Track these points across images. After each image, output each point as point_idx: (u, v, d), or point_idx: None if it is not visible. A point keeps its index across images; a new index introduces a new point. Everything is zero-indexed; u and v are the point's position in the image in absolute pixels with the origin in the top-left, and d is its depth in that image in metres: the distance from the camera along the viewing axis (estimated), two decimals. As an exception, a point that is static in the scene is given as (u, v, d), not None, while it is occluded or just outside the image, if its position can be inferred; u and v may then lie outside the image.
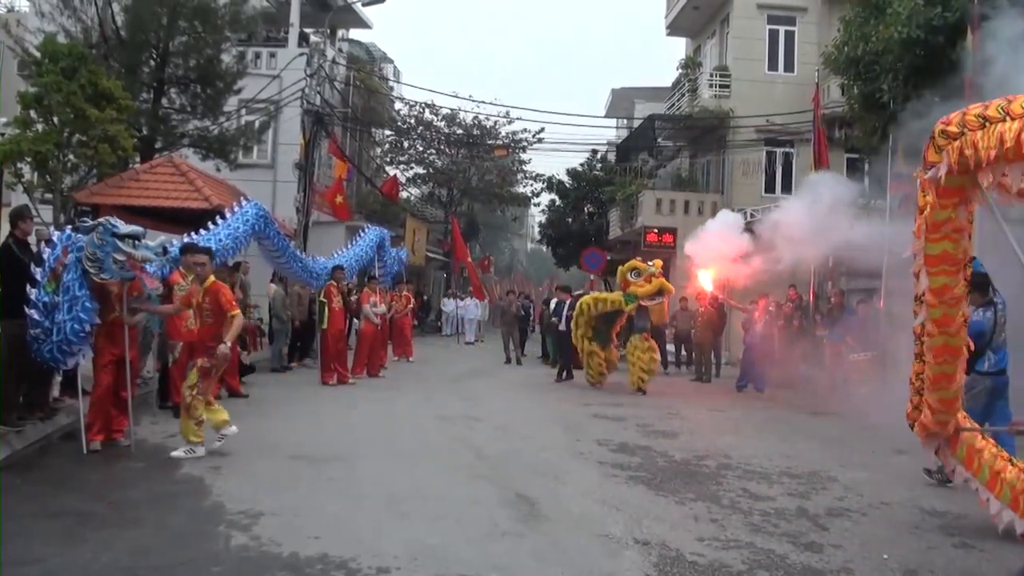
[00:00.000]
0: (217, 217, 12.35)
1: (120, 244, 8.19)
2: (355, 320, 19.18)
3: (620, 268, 16.97)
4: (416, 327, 26.39)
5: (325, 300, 15.52)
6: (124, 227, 8.33)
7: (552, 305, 21.32)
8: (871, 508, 7.63)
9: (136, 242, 8.36)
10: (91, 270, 8.23)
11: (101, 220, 8.38)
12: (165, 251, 8.85)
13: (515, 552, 5.99)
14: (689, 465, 9.37)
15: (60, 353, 8.39)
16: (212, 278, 8.92)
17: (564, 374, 18.39)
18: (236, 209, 12.58)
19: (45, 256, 8.45)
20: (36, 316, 8.22)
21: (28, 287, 8.31)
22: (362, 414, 12.25)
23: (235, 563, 5.47)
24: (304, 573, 5.33)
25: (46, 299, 8.29)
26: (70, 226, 8.96)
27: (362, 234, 19.35)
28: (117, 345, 9.00)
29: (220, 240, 11.60)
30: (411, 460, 9.03)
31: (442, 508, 7.06)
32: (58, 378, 10.25)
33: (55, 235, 8.84)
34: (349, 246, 18.65)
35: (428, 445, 9.98)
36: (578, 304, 17.54)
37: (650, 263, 16.44)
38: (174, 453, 8.59)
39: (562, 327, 18.86)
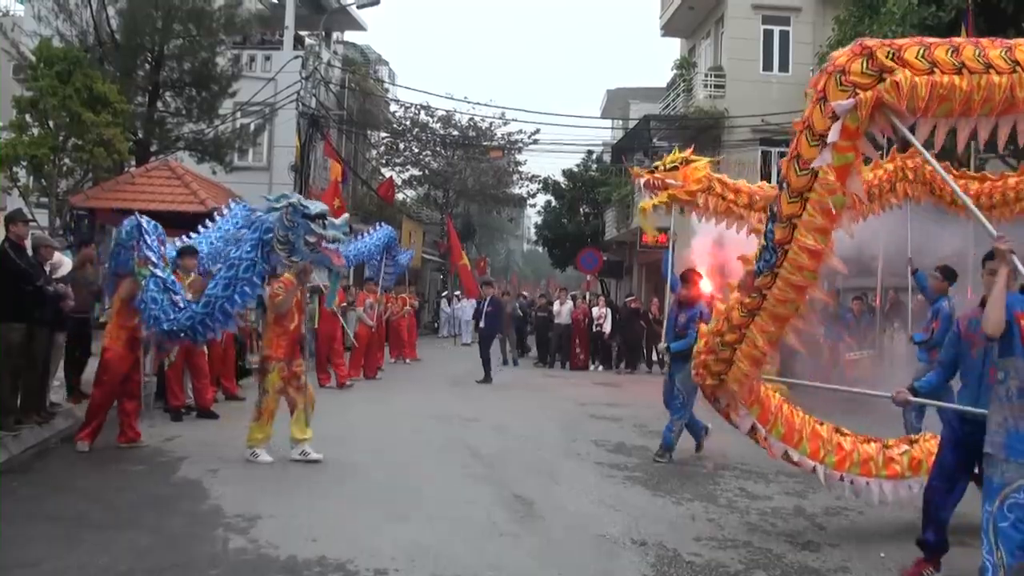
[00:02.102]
0: (207, 220, 12.37)
1: (312, 225, 7.93)
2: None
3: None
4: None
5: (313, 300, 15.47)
6: (313, 206, 8.08)
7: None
8: (868, 507, 7.63)
9: (324, 221, 8.05)
10: (281, 253, 8.08)
11: (289, 200, 8.10)
12: (351, 229, 8.68)
13: (512, 552, 6.00)
14: (686, 465, 9.39)
15: (201, 326, 8.20)
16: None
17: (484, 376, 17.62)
18: (225, 212, 12.58)
19: (151, 243, 8.48)
20: (169, 285, 8.22)
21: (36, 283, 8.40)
22: (359, 415, 12.24)
23: (233, 566, 5.47)
24: (302, 575, 5.34)
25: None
26: (137, 215, 8.88)
27: (369, 232, 19.06)
28: (135, 352, 9.11)
29: (212, 243, 11.63)
30: (408, 461, 9.04)
31: (439, 509, 7.07)
32: (55, 383, 10.25)
33: (141, 220, 8.76)
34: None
35: (425, 446, 9.99)
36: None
37: None
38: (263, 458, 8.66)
39: (482, 324, 18.50)
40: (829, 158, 5.15)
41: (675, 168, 8.92)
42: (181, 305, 8.18)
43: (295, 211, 7.93)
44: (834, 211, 5.30)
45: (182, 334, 8.33)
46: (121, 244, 8.96)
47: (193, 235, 11.63)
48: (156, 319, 8.26)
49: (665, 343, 9.96)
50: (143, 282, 8.36)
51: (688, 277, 9.92)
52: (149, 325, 8.47)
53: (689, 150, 9.06)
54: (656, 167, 9.49)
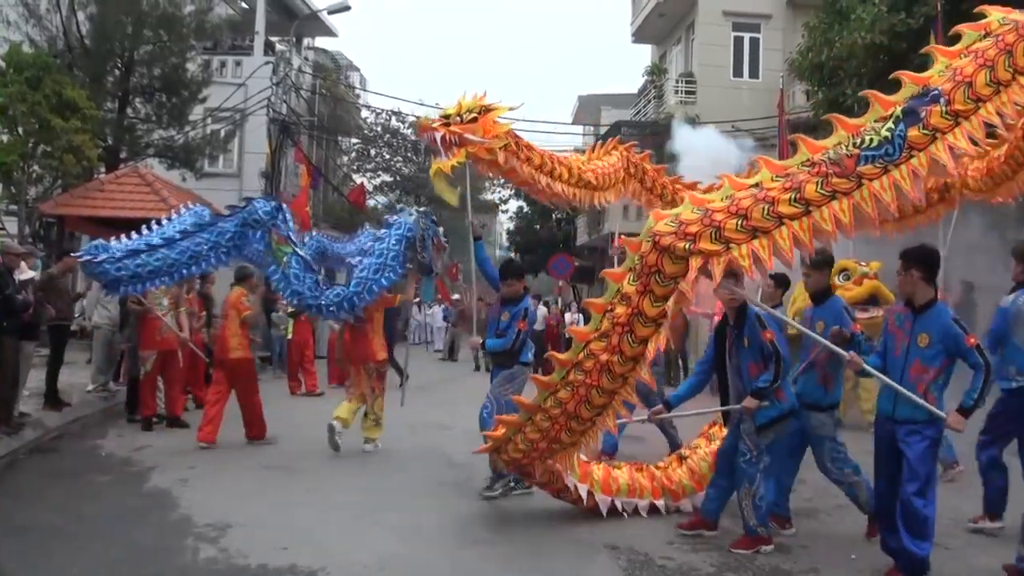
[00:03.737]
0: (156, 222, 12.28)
1: (437, 229, 9.67)
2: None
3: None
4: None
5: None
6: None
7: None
8: (838, 509, 7.67)
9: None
10: (420, 249, 9.43)
11: (424, 208, 10.10)
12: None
13: (485, 559, 6.01)
14: (659, 469, 9.39)
15: (347, 303, 9.20)
16: None
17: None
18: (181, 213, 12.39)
19: (288, 224, 9.53)
20: (310, 263, 9.44)
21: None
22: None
23: (203, 576, 5.45)
24: (274, 584, 5.32)
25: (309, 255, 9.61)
26: (271, 200, 9.94)
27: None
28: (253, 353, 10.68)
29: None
30: (381, 468, 9.03)
31: (412, 516, 7.05)
32: (25, 393, 10.13)
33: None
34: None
35: (398, 453, 9.96)
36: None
37: (862, 263, 12.49)
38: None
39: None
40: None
41: (474, 119, 7.29)
42: (322, 286, 9.41)
43: (428, 216, 9.67)
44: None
45: (330, 308, 9.33)
46: (256, 224, 9.43)
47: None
48: (299, 294, 9.33)
49: (480, 339, 8.44)
50: (284, 259, 9.33)
51: (511, 270, 8.59)
52: (289, 298, 9.70)
53: (484, 94, 7.70)
54: (449, 116, 7.41)
